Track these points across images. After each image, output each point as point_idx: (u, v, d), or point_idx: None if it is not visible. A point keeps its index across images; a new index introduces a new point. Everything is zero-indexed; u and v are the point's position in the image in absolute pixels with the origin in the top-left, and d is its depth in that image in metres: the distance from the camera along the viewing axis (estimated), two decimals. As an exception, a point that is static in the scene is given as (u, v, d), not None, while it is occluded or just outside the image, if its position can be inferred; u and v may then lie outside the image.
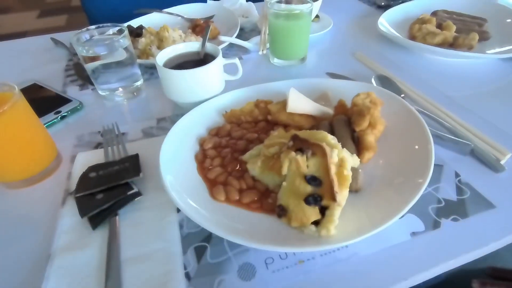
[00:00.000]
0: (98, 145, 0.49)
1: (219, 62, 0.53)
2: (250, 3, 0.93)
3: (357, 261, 0.33)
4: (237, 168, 0.41)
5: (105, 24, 0.56)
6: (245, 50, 0.74)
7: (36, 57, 0.75)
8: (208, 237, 0.36)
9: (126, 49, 0.54)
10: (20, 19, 2.86)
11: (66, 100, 0.57)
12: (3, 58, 0.77)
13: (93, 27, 0.55)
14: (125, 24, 0.57)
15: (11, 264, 0.35)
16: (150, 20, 0.82)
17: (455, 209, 0.38)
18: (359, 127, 0.40)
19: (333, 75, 0.63)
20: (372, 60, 0.67)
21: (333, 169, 0.34)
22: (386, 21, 0.78)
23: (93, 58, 0.53)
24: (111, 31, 0.57)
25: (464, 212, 0.37)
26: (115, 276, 0.32)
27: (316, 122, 0.47)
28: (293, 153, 0.36)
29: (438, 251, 0.34)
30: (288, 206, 0.34)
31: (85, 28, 0.54)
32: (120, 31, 0.55)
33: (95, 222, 0.36)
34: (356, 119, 0.41)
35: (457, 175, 0.42)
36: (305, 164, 0.35)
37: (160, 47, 0.68)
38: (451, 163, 0.43)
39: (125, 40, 0.53)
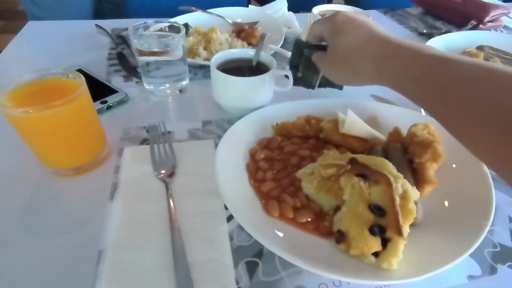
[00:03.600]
0: (144, 141, 0.49)
1: (274, 72, 0.52)
2: (291, 13, 0.93)
3: (415, 299, 0.32)
4: (290, 184, 0.41)
5: (162, 19, 0.55)
6: (287, 61, 0.74)
7: (79, 42, 0.75)
8: (260, 252, 0.35)
9: (182, 47, 0.54)
10: None
11: (112, 91, 0.57)
12: (48, 38, 0.77)
13: (151, 20, 0.55)
14: (170, 21, 0.57)
15: (60, 253, 0.34)
16: (191, 19, 0.81)
17: (510, 256, 0.37)
18: (420, 158, 0.39)
19: (379, 98, 0.63)
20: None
21: (397, 201, 0.34)
22: (431, 50, 0.77)
23: (151, 53, 0.52)
24: (160, 26, 0.57)
25: (520, 260, 0.36)
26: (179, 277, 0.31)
27: (368, 146, 0.46)
28: (356, 179, 0.35)
29: (496, 299, 0.33)
30: (349, 232, 0.33)
31: (142, 21, 0.54)
32: (175, 29, 0.55)
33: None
34: (417, 150, 0.40)
35: (510, 219, 0.41)
36: (367, 191, 0.35)
37: (206, 48, 0.68)
38: (504, 206, 0.42)
39: (181, 39, 0.53)
